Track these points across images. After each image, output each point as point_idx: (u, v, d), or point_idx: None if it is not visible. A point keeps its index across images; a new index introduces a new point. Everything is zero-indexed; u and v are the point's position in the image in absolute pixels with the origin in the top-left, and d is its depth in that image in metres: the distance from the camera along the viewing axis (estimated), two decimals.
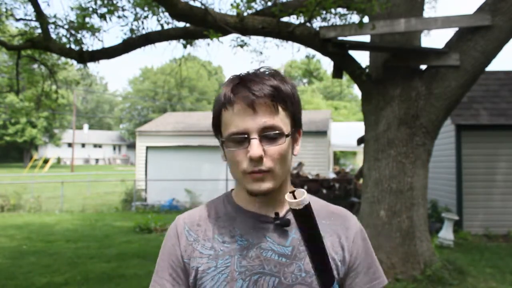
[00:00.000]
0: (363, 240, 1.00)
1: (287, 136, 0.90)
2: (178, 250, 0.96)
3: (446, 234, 7.06)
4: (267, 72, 0.93)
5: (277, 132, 0.88)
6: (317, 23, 5.60)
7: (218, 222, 0.97)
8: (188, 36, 5.98)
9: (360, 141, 7.27)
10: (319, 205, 1.01)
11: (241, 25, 4.58)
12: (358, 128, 13.85)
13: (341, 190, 12.24)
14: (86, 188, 18.72)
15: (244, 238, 0.94)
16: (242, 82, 0.90)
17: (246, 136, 0.87)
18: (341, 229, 0.98)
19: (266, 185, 0.89)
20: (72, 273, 5.56)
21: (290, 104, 0.92)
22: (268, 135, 0.88)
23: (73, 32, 5.87)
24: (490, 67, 12.67)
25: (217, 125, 0.95)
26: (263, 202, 0.95)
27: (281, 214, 0.96)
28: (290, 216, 0.94)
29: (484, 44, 4.62)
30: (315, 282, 0.89)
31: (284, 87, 0.91)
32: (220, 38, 4.58)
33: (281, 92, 0.90)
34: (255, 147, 0.86)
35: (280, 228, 0.94)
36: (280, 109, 0.90)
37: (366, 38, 6.39)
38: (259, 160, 0.87)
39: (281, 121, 0.90)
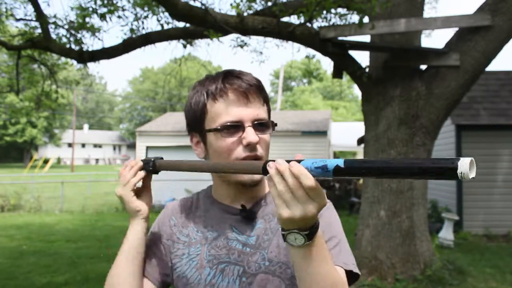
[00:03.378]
0: (327, 221, 0.96)
1: (272, 125, 0.96)
2: (160, 231, 1.06)
3: (446, 234, 7.05)
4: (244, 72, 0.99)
5: (266, 121, 0.94)
6: (317, 23, 5.59)
7: (196, 213, 1.05)
8: (188, 36, 5.98)
9: (360, 141, 7.27)
10: None
11: (241, 25, 4.58)
12: (358, 128, 13.85)
13: (341, 190, 12.24)
14: (86, 188, 18.71)
15: (214, 228, 0.99)
16: (230, 75, 0.94)
17: (239, 124, 0.91)
18: None
19: (258, 175, 0.90)
20: (72, 273, 5.56)
21: (268, 100, 0.99)
22: (259, 123, 0.92)
23: (73, 32, 5.88)
24: (490, 67, 12.67)
25: (197, 121, 0.97)
26: (236, 196, 1.00)
27: (248, 207, 0.99)
28: (256, 209, 0.99)
29: (484, 44, 4.61)
30: (279, 270, 0.92)
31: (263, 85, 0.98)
32: (220, 38, 4.59)
33: (263, 87, 0.97)
34: (252, 134, 0.90)
35: (245, 220, 0.98)
36: (265, 103, 0.97)
37: (366, 38, 6.39)
38: (255, 146, 0.90)
39: (265, 113, 0.96)
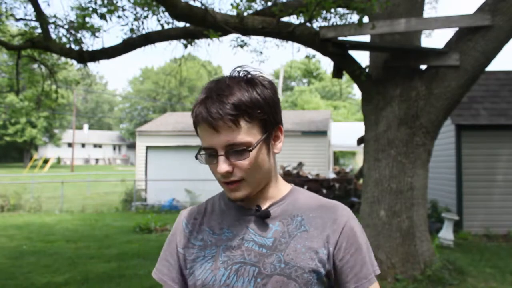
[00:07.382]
0: (351, 233, 0.98)
1: (253, 149, 0.91)
2: (175, 240, 1.07)
3: (446, 234, 7.05)
4: (236, 78, 0.94)
5: (241, 148, 0.90)
6: (317, 23, 5.60)
7: (212, 216, 1.05)
8: (188, 36, 5.98)
9: (360, 141, 7.27)
10: (310, 199, 1.04)
11: (241, 25, 4.58)
12: (358, 128, 13.85)
13: (341, 190, 12.23)
14: (86, 188, 18.72)
15: (230, 230, 1.00)
16: (203, 102, 0.91)
17: (214, 152, 0.91)
18: (328, 222, 0.98)
19: (241, 193, 0.94)
20: (72, 273, 5.56)
21: (257, 112, 0.91)
22: (233, 150, 0.90)
23: (73, 32, 5.88)
24: (490, 67, 12.68)
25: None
26: (249, 197, 0.99)
27: (263, 208, 1.00)
28: (271, 209, 0.99)
29: (484, 44, 4.62)
30: (294, 273, 0.92)
31: (250, 95, 0.91)
32: (220, 38, 4.59)
33: (242, 105, 0.89)
34: (221, 164, 0.90)
35: (261, 220, 0.98)
36: (243, 123, 0.90)
37: (366, 38, 6.39)
38: (227, 174, 0.91)
39: (246, 133, 0.90)
